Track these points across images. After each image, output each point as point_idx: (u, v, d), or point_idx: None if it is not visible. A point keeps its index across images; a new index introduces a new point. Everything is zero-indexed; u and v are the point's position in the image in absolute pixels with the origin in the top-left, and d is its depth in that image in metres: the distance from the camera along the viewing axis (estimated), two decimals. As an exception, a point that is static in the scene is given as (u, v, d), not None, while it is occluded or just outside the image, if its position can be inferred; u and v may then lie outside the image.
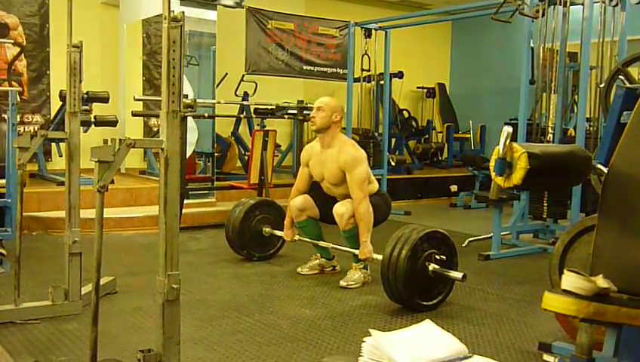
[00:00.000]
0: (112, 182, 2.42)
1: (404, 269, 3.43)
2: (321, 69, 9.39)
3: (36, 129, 7.41)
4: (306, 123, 7.02)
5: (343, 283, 4.06)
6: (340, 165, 4.05)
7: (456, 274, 3.50)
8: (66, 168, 3.34)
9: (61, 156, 6.91)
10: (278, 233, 4.64)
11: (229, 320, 3.37)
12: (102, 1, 8.08)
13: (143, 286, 3.86)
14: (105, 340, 2.58)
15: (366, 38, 7.98)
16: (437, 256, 3.54)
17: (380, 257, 3.67)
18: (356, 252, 4.04)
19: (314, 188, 4.39)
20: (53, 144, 7.20)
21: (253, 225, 4.71)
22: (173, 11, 2.04)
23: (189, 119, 6.03)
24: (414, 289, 3.50)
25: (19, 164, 3.18)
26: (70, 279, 3.30)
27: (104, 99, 6.50)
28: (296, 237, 4.42)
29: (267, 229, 4.70)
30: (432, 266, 3.51)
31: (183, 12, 2.08)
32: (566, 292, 1.89)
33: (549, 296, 1.92)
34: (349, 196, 4.05)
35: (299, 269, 4.42)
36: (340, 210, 4.04)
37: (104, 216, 2.07)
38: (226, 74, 7.96)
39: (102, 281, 3.46)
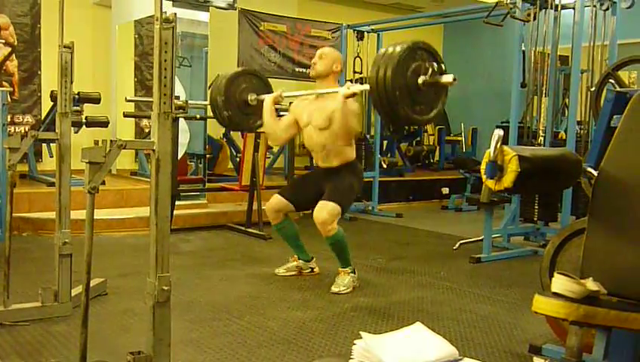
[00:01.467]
0: (103, 183, 2.42)
1: (392, 89, 3.19)
2: (314, 71, 9.36)
3: (27, 129, 7.38)
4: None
5: (334, 289, 4.03)
6: (334, 106, 3.97)
7: (447, 78, 3.30)
8: (56, 169, 3.32)
9: (52, 157, 6.88)
10: (263, 96, 4.40)
11: (220, 322, 3.36)
12: (94, 2, 8.06)
13: (134, 288, 3.84)
14: (95, 342, 2.56)
15: (358, 40, 8.00)
16: (425, 66, 3.30)
17: (366, 86, 3.50)
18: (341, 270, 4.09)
19: (285, 189, 4.38)
20: (44, 145, 7.17)
21: (239, 95, 4.49)
22: (165, 12, 2.04)
23: (181, 120, 6.02)
24: (409, 105, 3.27)
25: (9, 164, 3.16)
26: (60, 280, 3.29)
27: (95, 100, 6.48)
28: (283, 98, 4.31)
29: (252, 97, 4.45)
30: (421, 78, 3.27)
31: (175, 13, 2.08)
32: (556, 294, 1.90)
33: (539, 298, 1.93)
34: (329, 146, 4.07)
35: (276, 270, 4.42)
36: (321, 216, 3.94)
37: (95, 218, 2.06)
38: (218, 75, 7.93)
39: (92, 283, 3.44)
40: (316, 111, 4.14)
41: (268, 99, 4.27)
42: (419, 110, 3.32)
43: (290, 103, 4.40)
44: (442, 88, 3.39)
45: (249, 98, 4.45)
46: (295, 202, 4.27)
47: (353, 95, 3.87)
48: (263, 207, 5.95)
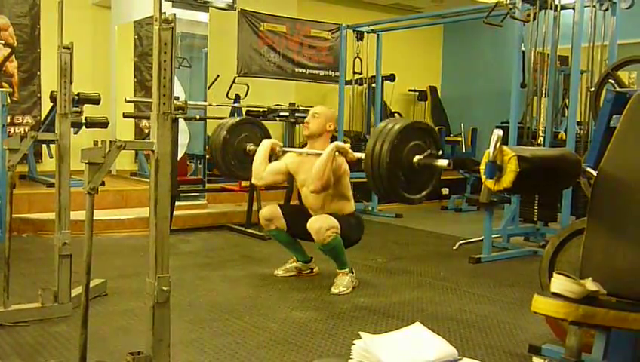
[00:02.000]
0: (103, 183, 2.42)
1: (388, 163, 3.22)
2: (313, 71, 9.39)
3: (26, 130, 7.37)
4: (297, 125, 7.03)
5: (334, 290, 4.01)
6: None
7: (442, 162, 3.33)
8: (56, 170, 3.32)
9: (51, 157, 6.88)
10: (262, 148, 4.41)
11: (220, 322, 3.36)
12: (93, 3, 8.05)
13: (134, 289, 3.85)
14: (94, 342, 2.57)
15: (358, 40, 8.00)
16: (421, 147, 3.34)
17: (361, 155, 3.54)
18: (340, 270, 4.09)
19: (287, 205, 4.37)
20: (44, 145, 7.17)
21: (237, 145, 4.56)
22: (164, 13, 2.04)
23: (181, 121, 6.02)
24: (401, 182, 3.31)
25: (9, 165, 3.17)
26: (60, 281, 3.29)
27: (95, 101, 6.48)
28: (280, 150, 4.30)
29: (251, 147, 4.51)
30: (416, 158, 3.31)
31: (175, 14, 2.07)
32: (555, 295, 1.90)
33: (538, 298, 1.93)
34: (327, 206, 4.08)
35: (275, 272, 4.41)
36: (316, 225, 3.93)
37: (94, 218, 2.06)
38: (218, 76, 7.95)
39: (92, 283, 3.44)
40: (311, 171, 4.00)
41: (266, 141, 4.31)
42: (410, 188, 3.37)
43: (284, 153, 4.35)
44: (436, 170, 3.43)
45: (247, 148, 4.54)
46: (288, 221, 4.22)
47: (345, 152, 3.90)
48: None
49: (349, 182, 4.17)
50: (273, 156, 4.32)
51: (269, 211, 4.24)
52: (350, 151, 3.93)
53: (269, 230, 4.28)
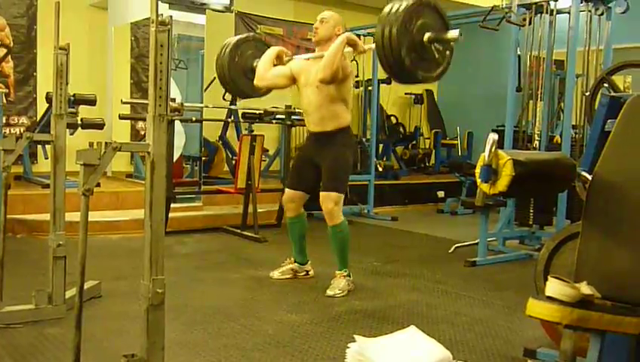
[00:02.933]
0: (98, 185, 2.41)
1: (398, 46, 3.23)
2: (310, 74, 9.38)
3: (22, 131, 7.36)
4: (293, 128, 7.03)
5: (330, 292, 4.02)
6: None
7: (453, 34, 3.32)
8: (51, 171, 3.32)
9: (47, 158, 6.86)
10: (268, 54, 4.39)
11: (214, 325, 3.35)
12: (90, 4, 8.05)
13: (128, 291, 3.84)
14: (88, 345, 2.56)
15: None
16: (428, 23, 3.32)
17: (372, 45, 3.55)
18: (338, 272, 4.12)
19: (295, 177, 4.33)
20: (39, 146, 7.16)
21: (245, 63, 4.53)
22: (161, 15, 2.04)
23: (177, 123, 6.02)
24: (414, 63, 3.31)
25: (4, 166, 3.16)
26: (54, 282, 3.28)
27: (91, 102, 6.47)
28: (288, 56, 4.35)
29: (258, 63, 4.41)
30: (426, 35, 3.29)
31: (171, 16, 2.07)
32: (550, 298, 1.90)
33: (533, 302, 1.93)
34: (325, 107, 4.05)
35: (271, 274, 4.40)
36: (327, 206, 4.04)
37: (90, 220, 2.06)
38: (214, 78, 7.93)
39: (86, 285, 3.43)
40: (316, 68, 4.07)
41: (273, 48, 4.36)
42: (425, 67, 3.36)
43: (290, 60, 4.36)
44: (448, 45, 3.40)
45: (254, 64, 4.45)
46: (304, 188, 4.27)
47: (355, 44, 3.90)
48: (258, 210, 5.97)
49: (351, 85, 4.20)
50: (281, 62, 4.32)
51: (288, 194, 4.29)
52: (360, 43, 3.94)
53: (293, 215, 4.31)
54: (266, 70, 4.23)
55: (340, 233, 4.11)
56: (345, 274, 4.12)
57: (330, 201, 4.03)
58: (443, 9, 3.43)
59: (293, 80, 4.27)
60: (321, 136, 4.13)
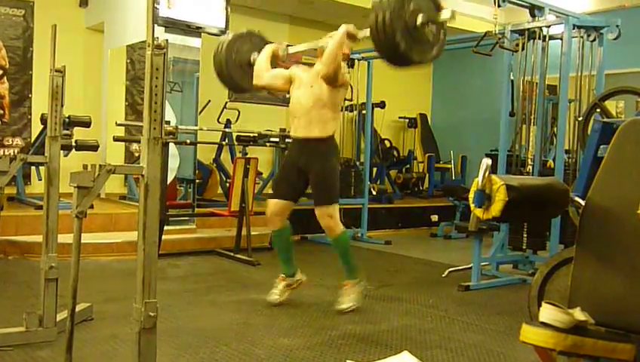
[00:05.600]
0: (92, 206, 2.41)
1: (393, 31, 3.26)
2: (304, 97, 9.42)
3: (16, 152, 7.35)
4: (287, 151, 7.02)
5: (342, 306, 4.09)
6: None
7: (445, 14, 3.33)
8: (45, 193, 3.31)
9: (40, 180, 6.85)
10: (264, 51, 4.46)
11: (207, 349, 3.33)
12: (87, 26, 8.09)
13: (120, 314, 3.81)
14: (79, 368, 2.53)
15: (349, 67, 8.04)
16: (420, 6, 3.32)
17: (366, 32, 3.57)
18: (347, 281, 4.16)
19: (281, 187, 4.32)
20: (33, 167, 7.14)
21: (242, 57, 4.55)
22: (157, 38, 2.05)
23: (171, 145, 6.02)
24: (410, 46, 3.32)
25: (-3, 187, 3.15)
26: (45, 305, 3.25)
27: (86, 124, 6.47)
28: (284, 50, 4.37)
29: (255, 57, 4.48)
30: (419, 19, 3.30)
31: (167, 40, 2.09)
32: (544, 324, 1.90)
33: (526, 328, 1.93)
34: (314, 111, 4.06)
35: (269, 298, 4.27)
36: (325, 222, 4.11)
37: (82, 241, 2.05)
38: (209, 101, 7.97)
39: (78, 308, 3.41)
40: (314, 76, 4.12)
41: (268, 45, 4.38)
42: (420, 50, 3.38)
43: (288, 54, 4.44)
44: (441, 26, 3.43)
45: (251, 58, 4.49)
46: (290, 198, 4.25)
47: (356, 35, 3.89)
48: (252, 233, 5.96)
49: (344, 96, 4.23)
50: (278, 59, 4.38)
51: (273, 206, 4.23)
52: (359, 32, 3.89)
53: (278, 228, 4.25)
54: (262, 70, 4.28)
55: (342, 244, 4.18)
56: (355, 282, 4.18)
57: (327, 216, 4.08)
58: None
59: (289, 84, 4.29)
60: (306, 143, 4.14)
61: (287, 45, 4.40)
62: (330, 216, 4.10)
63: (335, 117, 4.17)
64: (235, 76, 4.56)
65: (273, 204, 4.25)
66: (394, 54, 3.39)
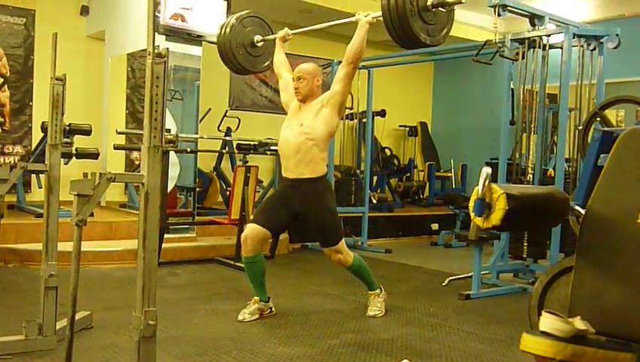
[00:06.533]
0: (92, 214, 2.41)
1: (403, 13, 3.36)
2: (305, 105, 9.44)
3: (16, 160, 7.36)
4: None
5: (370, 313, 4.27)
6: (321, 101, 4.11)
7: None
8: (45, 201, 3.31)
9: (41, 188, 6.85)
10: (270, 37, 4.69)
11: (206, 357, 3.32)
12: (87, 35, 8.11)
13: (120, 322, 3.80)
14: (78, 377, 2.53)
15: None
16: None
17: (377, 14, 3.70)
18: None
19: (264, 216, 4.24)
20: (33, 175, 7.15)
21: (243, 38, 4.68)
22: (158, 47, 2.06)
23: (172, 153, 6.03)
24: (420, 27, 3.43)
25: (-3, 195, 3.15)
26: (45, 313, 3.25)
27: (86, 132, 6.48)
28: (290, 34, 4.54)
29: (258, 37, 4.68)
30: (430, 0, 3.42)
31: (168, 48, 2.09)
32: (544, 333, 1.89)
33: (526, 337, 1.92)
34: (303, 151, 4.04)
35: (240, 317, 4.12)
36: (336, 259, 4.18)
37: (82, 249, 2.05)
38: (210, 109, 7.99)
39: (77, 316, 3.40)
40: (307, 111, 4.13)
41: (277, 39, 4.57)
42: (430, 31, 3.49)
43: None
44: (451, 8, 3.53)
45: (255, 39, 4.68)
46: (271, 228, 4.16)
47: (374, 21, 3.94)
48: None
49: (338, 122, 4.19)
50: (287, 43, 4.62)
51: (252, 231, 4.10)
52: (372, 17, 3.94)
53: (252, 255, 4.11)
54: (277, 64, 4.54)
55: (357, 269, 4.28)
56: (378, 292, 4.35)
57: (335, 253, 4.16)
58: None
59: (287, 81, 4.37)
60: (298, 184, 4.09)
61: (288, 31, 4.59)
62: (338, 252, 4.15)
63: (324, 157, 4.12)
64: (239, 57, 4.69)
65: (250, 229, 4.12)
66: (405, 37, 3.47)
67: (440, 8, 3.45)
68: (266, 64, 4.82)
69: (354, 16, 4.03)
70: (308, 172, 4.05)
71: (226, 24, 4.67)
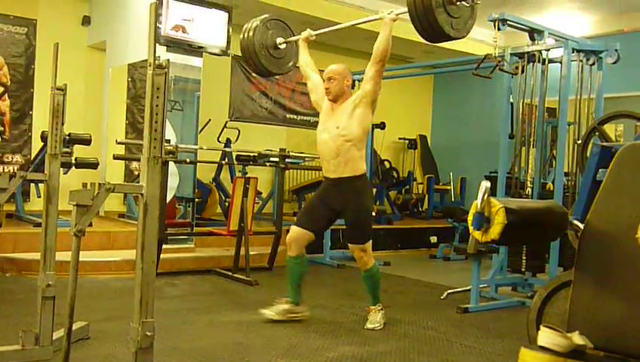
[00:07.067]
0: (90, 224, 2.41)
1: (429, 7, 3.45)
2: (305, 117, 9.47)
3: (16, 169, 7.36)
4: (287, 171, 7.05)
5: (369, 325, 4.27)
6: (353, 101, 4.24)
7: None
8: (43, 210, 3.30)
9: (39, 197, 6.85)
10: (293, 38, 4.75)
11: (204, 369, 3.31)
12: (89, 45, 8.14)
13: (117, 333, 3.78)
14: (75, 388, 2.52)
15: (351, 88, 8.07)
16: None
17: (401, 10, 3.82)
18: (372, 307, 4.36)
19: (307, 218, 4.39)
20: (32, 184, 7.15)
21: (266, 39, 4.74)
22: (158, 58, 2.07)
23: (171, 164, 6.03)
24: (446, 20, 3.53)
25: (-4, 204, 3.15)
26: (42, 323, 3.23)
27: (86, 142, 6.48)
28: (313, 35, 4.59)
29: (280, 40, 4.74)
30: None
31: (168, 60, 2.10)
32: (542, 348, 1.89)
33: (525, 352, 1.92)
34: (342, 153, 4.17)
35: (264, 312, 4.30)
36: (359, 256, 4.28)
37: (80, 259, 2.05)
38: (209, 120, 8.00)
39: (75, 326, 3.38)
40: (340, 113, 4.25)
41: (300, 40, 4.64)
42: (455, 25, 3.60)
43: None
44: (474, 2, 3.64)
45: (277, 42, 4.75)
46: (314, 230, 4.34)
47: (394, 20, 4.07)
48: (251, 253, 5.94)
49: (370, 120, 4.34)
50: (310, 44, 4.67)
51: (296, 234, 4.32)
52: (396, 14, 4.06)
53: (296, 254, 4.32)
54: (304, 65, 4.60)
55: (373, 276, 4.34)
56: (379, 308, 4.36)
57: (361, 251, 4.26)
58: None
59: (315, 82, 4.49)
60: (339, 182, 4.25)
61: (310, 32, 4.65)
62: (364, 252, 4.26)
63: (362, 155, 4.29)
64: (262, 59, 4.76)
65: (294, 231, 4.33)
66: (431, 30, 3.57)
67: (464, 2, 3.56)
68: (289, 65, 4.92)
69: (377, 14, 4.16)
70: (348, 171, 4.22)
71: (250, 27, 4.75)
